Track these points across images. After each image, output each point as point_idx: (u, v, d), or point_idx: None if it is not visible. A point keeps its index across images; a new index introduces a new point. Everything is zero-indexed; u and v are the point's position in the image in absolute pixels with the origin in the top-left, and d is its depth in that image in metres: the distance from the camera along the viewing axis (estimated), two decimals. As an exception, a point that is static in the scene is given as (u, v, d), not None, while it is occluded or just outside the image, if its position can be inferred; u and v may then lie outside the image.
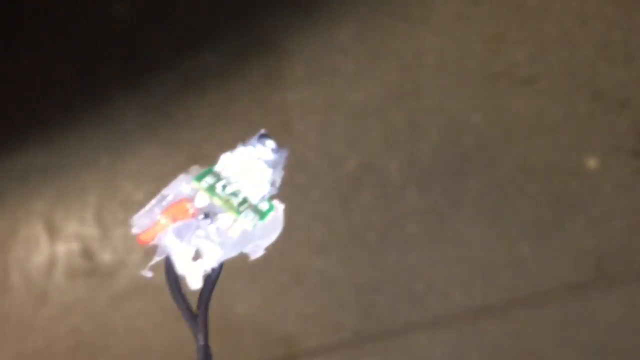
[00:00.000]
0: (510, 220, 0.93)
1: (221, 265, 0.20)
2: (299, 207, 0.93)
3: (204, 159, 0.98)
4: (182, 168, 0.92)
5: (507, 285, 0.91)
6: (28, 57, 1.00)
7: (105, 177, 0.96)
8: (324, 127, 0.96)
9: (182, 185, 0.20)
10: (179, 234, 0.19)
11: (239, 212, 0.19)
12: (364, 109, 0.97)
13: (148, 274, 0.20)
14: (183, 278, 0.20)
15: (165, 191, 0.19)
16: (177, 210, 0.19)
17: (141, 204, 0.92)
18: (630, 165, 0.94)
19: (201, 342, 0.21)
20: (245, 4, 1.01)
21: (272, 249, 0.90)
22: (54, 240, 0.94)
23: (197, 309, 0.21)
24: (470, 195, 0.94)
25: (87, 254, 0.94)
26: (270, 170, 0.20)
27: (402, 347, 0.91)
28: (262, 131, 0.21)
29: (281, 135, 0.96)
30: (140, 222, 0.19)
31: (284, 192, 0.91)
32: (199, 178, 0.20)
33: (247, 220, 0.19)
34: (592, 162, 0.95)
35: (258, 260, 0.93)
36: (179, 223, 0.19)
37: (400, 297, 0.91)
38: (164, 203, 0.19)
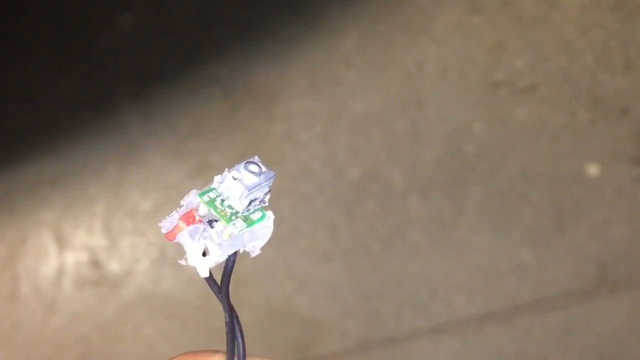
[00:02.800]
0: (512, 227, 0.94)
1: (234, 259, 0.27)
2: (303, 216, 0.95)
3: (209, 168, 1.00)
4: (188, 177, 0.94)
5: (510, 292, 0.92)
6: (36, 68, 1.01)
7: (112, 187, 0.97)
8: (327, 137, 0.97)
9: (192, 198, 0.27)
10: (192, 235, 0.26)
11: (228, 221, 0.26)
12: (366, 119, 0.98)
13: (183, 262, 0.27)
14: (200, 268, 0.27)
15: (182, 202, 0.27)
16: (188, 216, 0.26)
17: (149, 214, 0.93)
18: (631, 172, 0.95)
19: (226, 319, 0.28)
20: (249, 16, 1.02)
21: (277, 257, 0.91)
22: (63, 250, 0.96)
23: (219, 292, 0.28)
24: (472, 203, 0.94)
25: (95, 263, 0.95)
26: (246, 191, 0.27)
27: (406, 354, 0.91)
28: (252, 158, 0.27)
29: (285, 145, 0.97)
30: (165, 225, 0.27)
31: (288, 201, 0.92)
32: (202, 194, 0.27)
33: (235, 227, 0.26)
34: (593, 169, 0.95)
35: (263, 268, 0.94)
36: (191, 227, 0.26)
37: (404, 304, 0.92)
38: (180, 211, 0.27)
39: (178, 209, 0.27)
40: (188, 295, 0.93)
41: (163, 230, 0.26)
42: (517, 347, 0.90)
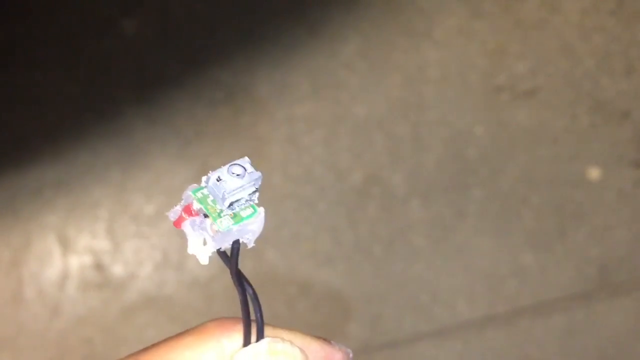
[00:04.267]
0: (513, 230, 0.94)
1: (238, 246, 0.29)
2: (305, 220, 0.95)
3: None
4: (191, 181, 0.93)
5: (512, 295, 0.92)
6: (40, 73, 1.02)
7: (116, 191, 0.97)
8: (329, 141, 0.98)
9: (189, 193, 0.29)
10: (192, 225, 0.28)
11: (215, 219, 0.28)
12: (368, 123, 0.98)
13: (188, 251, 0.29)
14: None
15: (182, 195, 0.29)
16: (188, 209, 0.28)
17: (152, 218, 0.93)
18: (632, 176, 0.95)
19: (240, 297, 0.29)
20: (252, 21, 1.03)
21: (279, 261, 0.91)
22: (67, 254, 0.96)
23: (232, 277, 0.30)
24: (474, 207, 0.95)
25: (98, 266, 0.96)
26: (226, 194, 0.28)
27: (408, 357, 0.91)
28: (240, 160, 0.28)
29: (287, 149, 0.98)
30: (171, 215, 0.29)
31: (290, 204, 0.92)
32: (195, 191, 0.29)
33: (222, 224, 0.28)
34: (594, 173, 0.95)
35: (266, 271, 0.94)
36: (190, 219, 0.28)
37: (405, 308, 0.92)
38: (182, 203, 0.29)
39: (181, 203, 0.29)
40: (191, 298, 0.93)
41: (170, 219, 0.28)
42: (519, 350, 0.91)
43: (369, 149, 0.97)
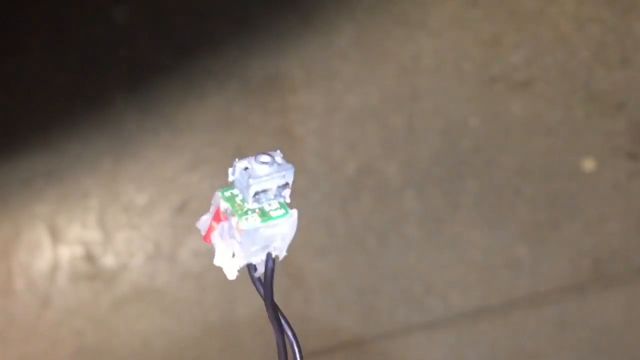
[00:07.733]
0: (507, 222, 0.94)
1: (272, 266, 0.25)
2: (298, 210, 0.94)
3: (204, 162, 0.99)
4: (183, 171, 0.93)
5: (505, 287, 0.92)
6: (30, 62, 1.01)
7: (107, 181, 0.97)
8: (323, 131, 0.97)
9: (217, 196, 0.26)
10: (221, 234, 0.25)
11: (241, 216, 0.25)
12: (362, 113, 0.98)
13: (215, 263, 0.26)
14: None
15: (211, 202, 0.25)
16: (217, 216, 0.25)
17: (143, 208, 0.92)
18: (627, 167, 0.95)
19: (275, 334, 0.25)
20: (244, 9, 1.02)
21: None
22: (57, 244, 0.95)
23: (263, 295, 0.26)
24: (468, 198, 0.94)
25: (89, 257, 0.95)
26: (251, 180, 0.24)
27: (401, 349, 0.91)
28: (272, 152, 0.25)
29: (281, 139, 0.97)
30: (202, 227, 0.26)
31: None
32: (224, 191, 0.26)
33: (248, 222, 0.25)
34: (588, 164, 0.95)
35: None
36: (220, 225, 0.25)
37: (399, 299, 0.92)
38: (211, 211, 0.25)
39: (210, 211, 0.26)
40: (183, 290, 0.93)
41: (201, 232, 0.26)
42: (512, 341, 0.91)
43: (362, 140, 0.97)
